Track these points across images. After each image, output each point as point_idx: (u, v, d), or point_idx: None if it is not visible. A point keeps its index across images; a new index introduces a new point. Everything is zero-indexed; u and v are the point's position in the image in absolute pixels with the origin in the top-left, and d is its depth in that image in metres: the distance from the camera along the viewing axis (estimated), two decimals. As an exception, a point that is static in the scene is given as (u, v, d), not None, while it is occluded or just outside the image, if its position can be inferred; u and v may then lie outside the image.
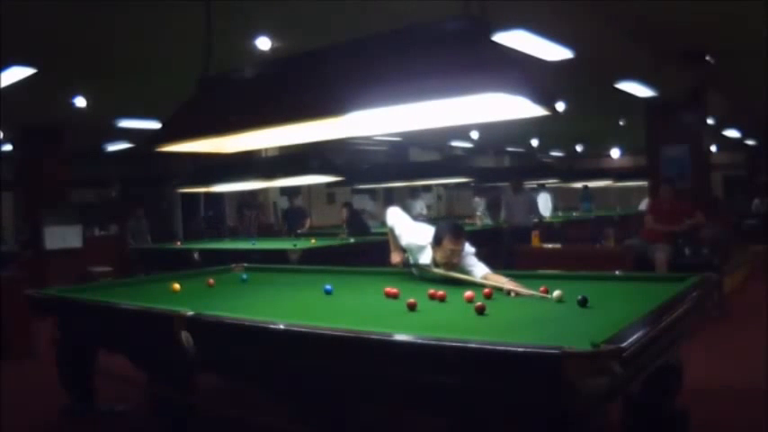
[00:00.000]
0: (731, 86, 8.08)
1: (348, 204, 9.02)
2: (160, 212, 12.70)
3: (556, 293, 2.74)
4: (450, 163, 12.21)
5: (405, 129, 3.00)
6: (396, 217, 3.82)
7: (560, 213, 12.72)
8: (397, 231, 3.74)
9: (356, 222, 8.61)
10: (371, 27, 2.73)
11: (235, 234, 9.87)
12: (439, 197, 16.35)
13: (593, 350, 1.63)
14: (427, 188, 15.49)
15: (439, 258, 3.36)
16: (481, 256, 3.41)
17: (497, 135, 12.83)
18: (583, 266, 4.04)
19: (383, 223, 4.64)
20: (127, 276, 5.15)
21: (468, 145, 14.30)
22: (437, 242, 3.33)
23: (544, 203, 10.33)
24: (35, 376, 4.72)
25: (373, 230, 8.46)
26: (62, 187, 9.12)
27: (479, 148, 15.19)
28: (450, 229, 3.36)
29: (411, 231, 3.66)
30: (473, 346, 1.80)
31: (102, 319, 3.29)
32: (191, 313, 2.62)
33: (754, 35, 5.48)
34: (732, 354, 4.60)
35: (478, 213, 10.34)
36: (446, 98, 2.09)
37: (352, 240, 7.61)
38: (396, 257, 3.84)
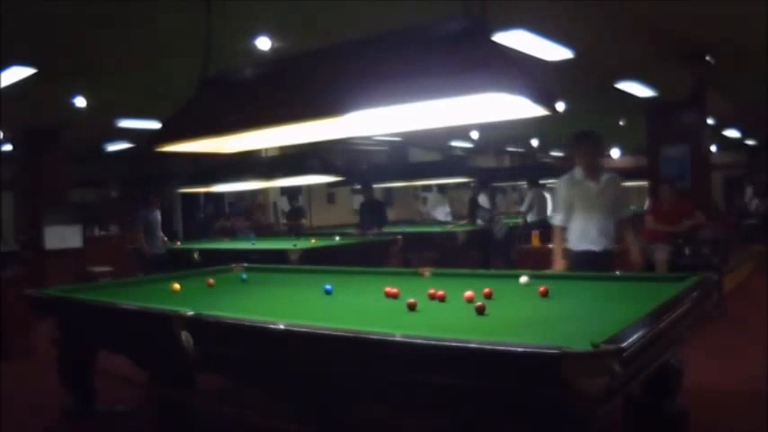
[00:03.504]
0: (731, 86, 8.07)
1: (365, 192, 9.00)
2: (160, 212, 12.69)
3: (523, 278, 3.23)
4: (451, 163, 12.21)
5: (405, 129, 3.00)
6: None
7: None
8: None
9: (371, 215, 8.60)
10: (371, 27, 2.73)
11: (222, 235, 9.83)
12: (436, 197, 16.34)
13: (593, 350, 1.63)
14: (427, 188, 15.51)
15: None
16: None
17: (497, 135, 12.82)
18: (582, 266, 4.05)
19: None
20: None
21: (468, 145, 14.30)
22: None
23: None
24: (35, 376, 4.72)
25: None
26: (62, 187, 9.12)
27: (479, 148, 15.18)
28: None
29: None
30: (473, 346, 1.80)
31: (102, 319, 3.29)
32: (191, 313, 2.62)
33: (754, 35, 5.48)
34: (732, 354, 4.59)
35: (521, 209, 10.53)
36: (446, 98, 2.09)
37: (337, 239, 7.61)
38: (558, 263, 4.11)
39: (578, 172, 4.14)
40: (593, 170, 4.09)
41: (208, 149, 3.39)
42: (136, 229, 7.74)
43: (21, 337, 5.48)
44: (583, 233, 4.04)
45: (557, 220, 4.19)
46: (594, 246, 4.00)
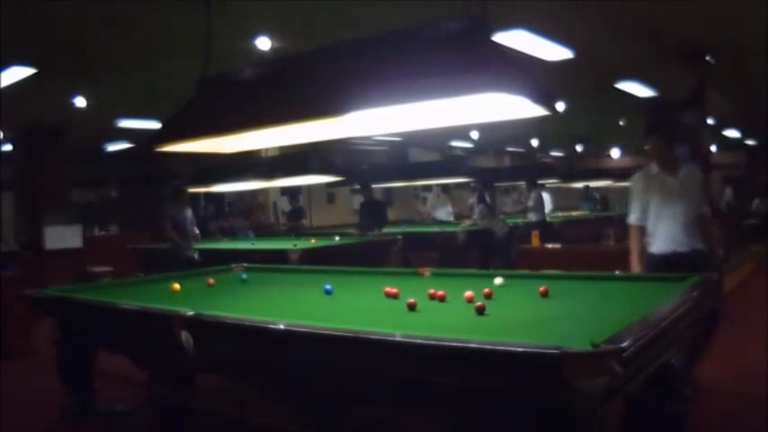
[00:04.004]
0: (731, 86, 8.07)
1: (365, 192, 8.95)
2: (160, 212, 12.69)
3: (497, 280, 3.23)
4: (451, 163, 12.23)
5: (405, 129, 3.00)
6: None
7: (560, 213, 12.75)
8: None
9: (371, 216, 8.57)
10: (371, 27, 2.74)
11: (221, 235, 9.81)
12: (438, 197, 16.41)
13: (593, 350, 1.63)
14: (427, 188, 15.52)
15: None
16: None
17: (497, 135, 12.83)
18: (583, 266, 4.05)
19: None
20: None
21: (468, 145, 14.31)
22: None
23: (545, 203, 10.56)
24: (35, 376, 4.72)
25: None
26: (62, 187, 9.12)
27: (479, 148, 15.19)
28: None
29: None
30: (473, 346, 1.80)
31: (102, 319, 3.29)
32: (191, 313, 2.62)
33: (754, 35, 5.48)
34: (732, 354, 4.59)
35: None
36: (446, 98, 2.09)
37: (337, 239, 7.61)
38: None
39: (654, 166, 3.80)
40: (670, 163, 3.75)
41: (208, 149, 3.39)
42: (166, 228, 6.87)
43: (21, 337, 5.49)
44: (665, 233, 3.68)
45: (632, 218, 3.82)
46: (681, 246, 3.65)
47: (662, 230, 3.69)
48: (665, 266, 3.56)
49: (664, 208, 3.68)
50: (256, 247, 7.38)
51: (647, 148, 3.88)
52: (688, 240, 3.67)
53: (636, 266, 3.76)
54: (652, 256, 3.73)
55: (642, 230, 3.77)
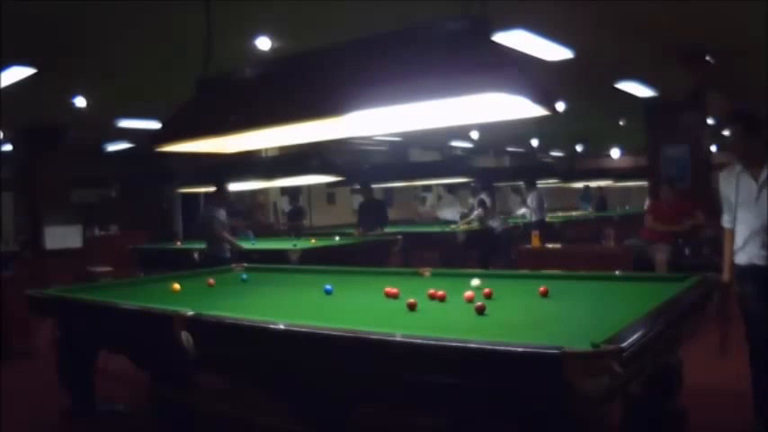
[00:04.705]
0: (731, 86, 8.07)
1: (365, 192, 8.93)
2: (160, 212, 12.71)
3: (474, 281, 3.18)
4: (451, 163, 12.23)
5: (405, 129, 3.01)
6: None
7: (560, 213, 12.75)
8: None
9: (372, 216, 8.56)
10: (371, 27, 2.73)
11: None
12: (439, 197, 16.41)
13: (593, 350, 1.63)
14: (427, 188, 15.52)
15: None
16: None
17: (497, 135, 12.82)
18: (583, 266, 4.05)
19: None
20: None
21: (468, 145, 14.30)
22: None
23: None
24: (35, 376, 4.73)
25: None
26: (62, 187, 9.12)
27: (479, 148, 15.18)
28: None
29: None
30: (473, 346, 1.80)
31: (102, 319, 3.29)
32: (191, 313, 2.62)
33: (754, 35, 5.48)
34: (732, 354, 4.59)
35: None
36: (446, 98, 2.09)
37: (337, 238, 7.60)
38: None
39: (739, 164, 3.29)
40: (753, 160, 3.20)
41: (208, 149, 3.40)
42: (216, 228, 6.17)
43: (21, 337, 5.49)
44: (741, 242, 3.23)
45: (723, 221, 3.38)
46: (757, 259, 3.16)
47: (739, 239, 3.27)
48: (747, 280, 3.18)
49: (741, 213, 3.24)
50: (256, 247, 7.38)
51: (730, 140, 3.38)
52: (764, 252, 3.17)
53: (726, 275, 3.33)
54: (735, 265, 3.30)
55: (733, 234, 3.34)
